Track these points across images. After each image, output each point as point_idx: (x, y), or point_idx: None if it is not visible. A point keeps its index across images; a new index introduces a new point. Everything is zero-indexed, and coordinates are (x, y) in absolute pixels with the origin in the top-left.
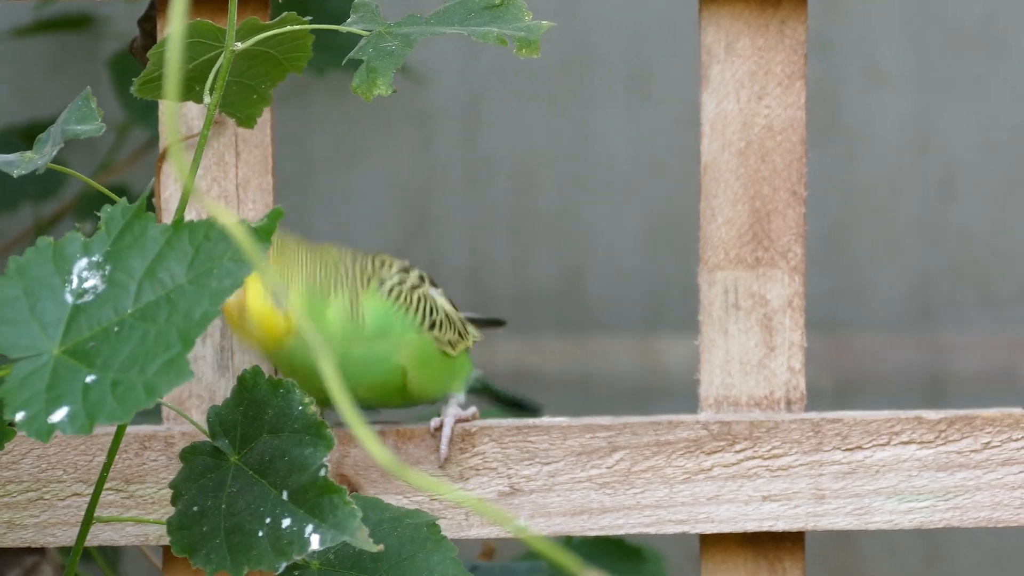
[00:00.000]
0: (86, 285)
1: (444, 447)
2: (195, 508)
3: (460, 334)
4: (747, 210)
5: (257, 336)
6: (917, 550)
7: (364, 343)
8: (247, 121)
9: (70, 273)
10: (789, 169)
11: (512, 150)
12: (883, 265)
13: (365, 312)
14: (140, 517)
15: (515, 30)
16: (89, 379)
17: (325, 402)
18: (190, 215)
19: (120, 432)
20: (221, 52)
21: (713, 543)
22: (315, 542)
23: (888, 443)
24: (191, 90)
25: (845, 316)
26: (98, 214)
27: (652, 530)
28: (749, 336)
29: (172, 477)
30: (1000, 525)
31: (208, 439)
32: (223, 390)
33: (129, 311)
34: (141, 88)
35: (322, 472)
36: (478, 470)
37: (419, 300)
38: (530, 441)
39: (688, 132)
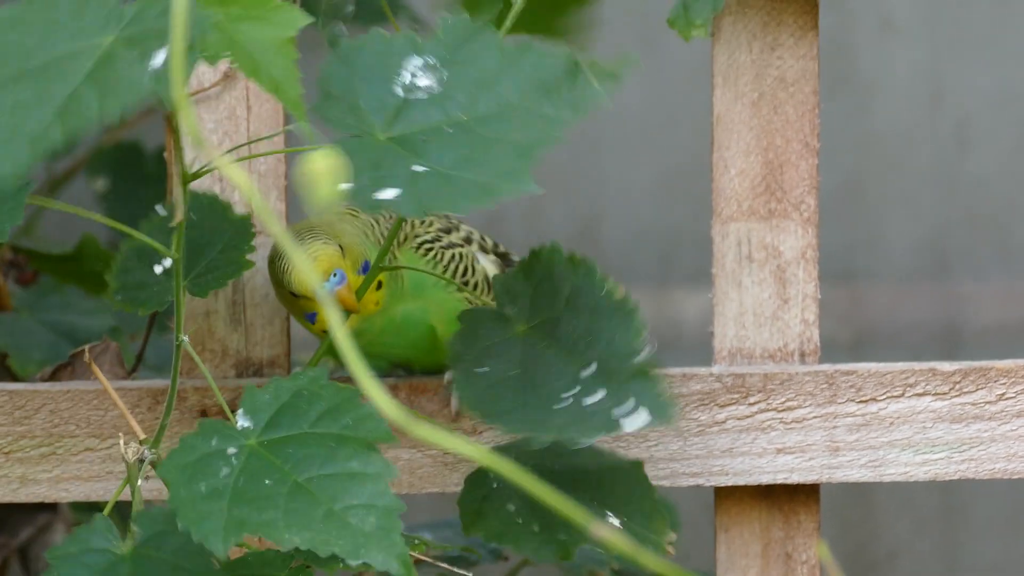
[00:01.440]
0: (419, 83)
1: (455, 400)
2: (479, 369)
3: None
4: (760, 162)
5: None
6: (933, 504)
7: (398, 307)
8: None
9: (401, 67)
10: (802, 120)
11: None
12: (898, 217)
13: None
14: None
15: None
16: (417, 168)
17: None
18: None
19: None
20: None
21: (727, 496)
22: (633, 422)
23: (903, 395)
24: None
25: (861, 268)
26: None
27: (666, 483)
28: (763, 288)
29: (185, 431)
30: (1015, 476)
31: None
32: (236, 344)
33: (464, 117)
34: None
35: (641, 357)
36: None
37: (453, 258)
38: None
39: (700, 84)
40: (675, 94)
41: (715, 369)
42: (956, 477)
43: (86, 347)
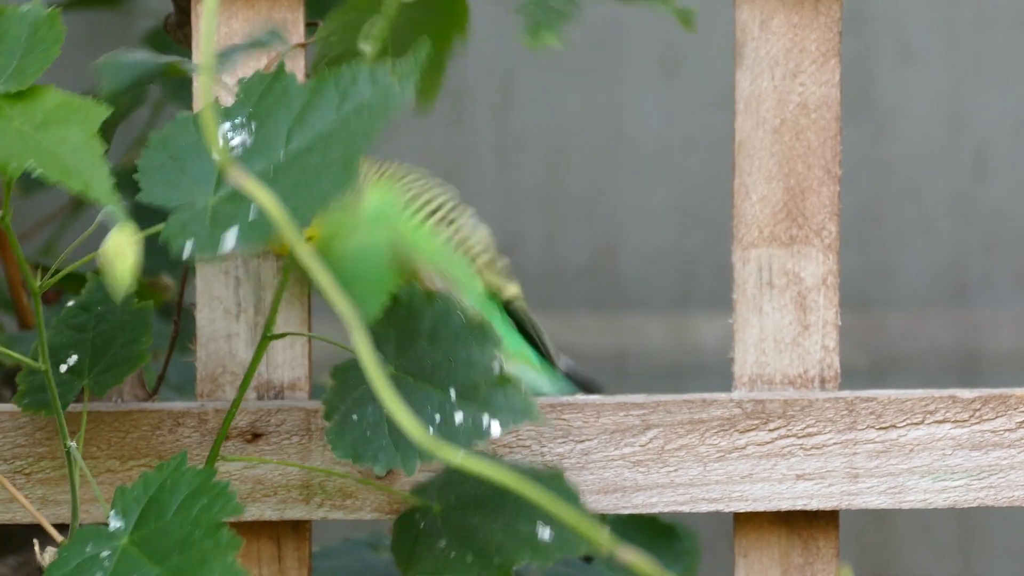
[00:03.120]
0: (232, 143)
1: None
2: (353, 417)
3: (503, 274)
4: (781, 188)
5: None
6: (951, 530)
7: (361, 229)
8: (426, 97)
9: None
10: (823, 147)
11: (545, 127)
12: (916, 243)
13: (367, 198)
14: None
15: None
16: (254, 209)
17: None
18: None
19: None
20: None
21: (747, 521)
22: (495, 429)
23: (922, 422)
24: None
25: (879, 294)
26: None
27: (686, 508)
28: (783, 314)
29: (206, 454)
30: None
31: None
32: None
33: (282, 158)
34: (316, 66)
35: (495, 366)
36: (511, 447)
37: (429, 202)
38: (564, 419)
39: (720, 110)
40: (693, 120)
41: (735, 395)
42: (975, 504)
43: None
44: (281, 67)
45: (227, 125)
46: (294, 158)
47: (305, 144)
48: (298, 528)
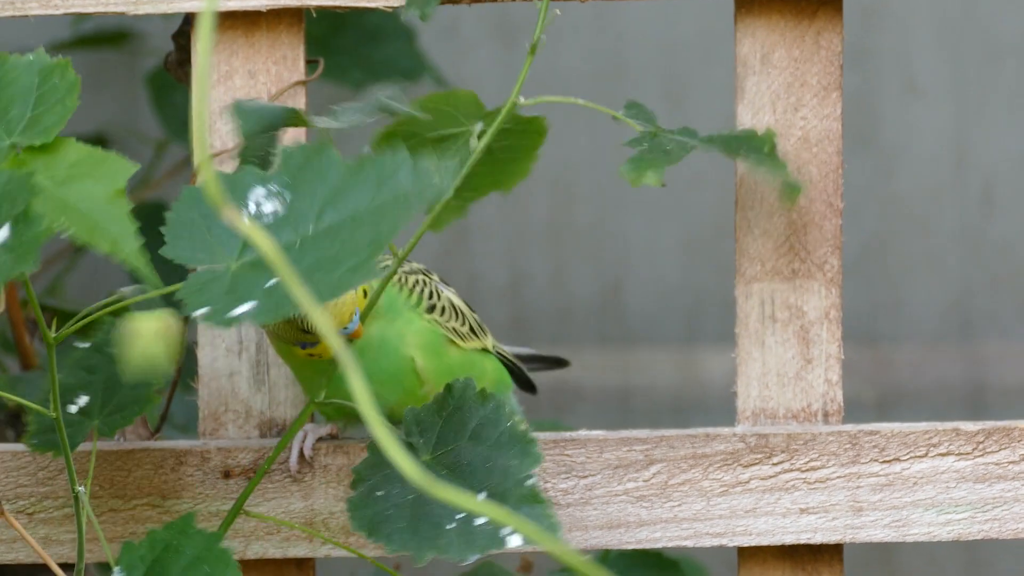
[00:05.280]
0: (264, 210)
1: None
2: (379, 493)
3: (473, 330)
4: (783, 222)
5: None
6: (958, 562)
7: (374, 325)
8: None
9: (246, 199)
10: (825, 180)
11: (550, 163)
12: (923, 278)
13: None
14: None
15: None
16: (271, 283)
17: (351, 415)
18: None
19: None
20: (462, 132)
21: (751, 556)
22: (515, 541)
23: (926, 455)
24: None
25: (885, 329)
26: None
27: (689, 543)
28: (786, 348)
29: (208, 492)
30: None
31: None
32: (259, 404)
33: (311, 232)
34: (380, 140)
35: (530, 482)
36: None
37: (416, 283)
38: (567, 454)
39: None
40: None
41: (738, 429)
42: (979, 537)
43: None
44: (325, 143)
45: (262, 191)
46: (322, 234)
47: (336, 222)
48: (302, 566)
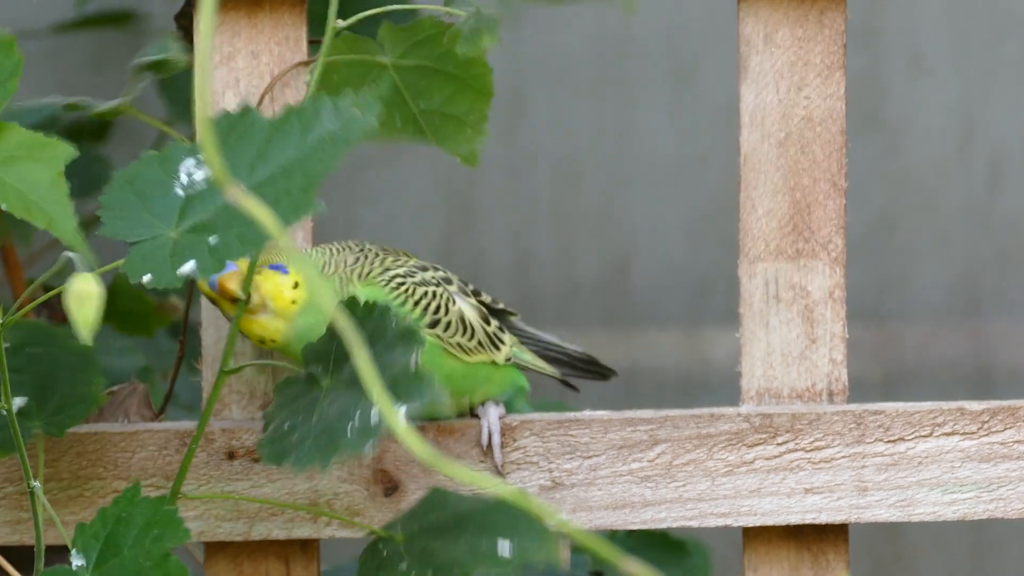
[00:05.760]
0: (196, 178)
1: (498, 455)
2: (286, 425)
3: (482, 344)
4: (787, 201)
5: (268, 315)
6: (964, 542)
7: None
8: (470, 159)
9: (177, 172)
10: (829, 160)
11: (555, 144)
12: (930, 256)
13: (358, 296)
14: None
15: None
16: (212, 240)
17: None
18: None
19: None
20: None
21: (756, 536)
22: (401, 415)
23: (931, 434)
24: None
25: (892, 307)
26: None
27: (694, 523)
28: (790, 328)
29: (213, 473)
30: None
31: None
32: (262, 385)
33: (245, 188)
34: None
35: (412, 363)
36: (519, 464)
37: (424, 296)
38: (571, 435)
39: (731, 124)
40: (706, 134)
41: (743, 409)
42: (984, 516)
43: (113, 389)
44: (247, 106)
45: (190, 161)
46: (255, 189)
47: (267, 176)
48: (307, 547)
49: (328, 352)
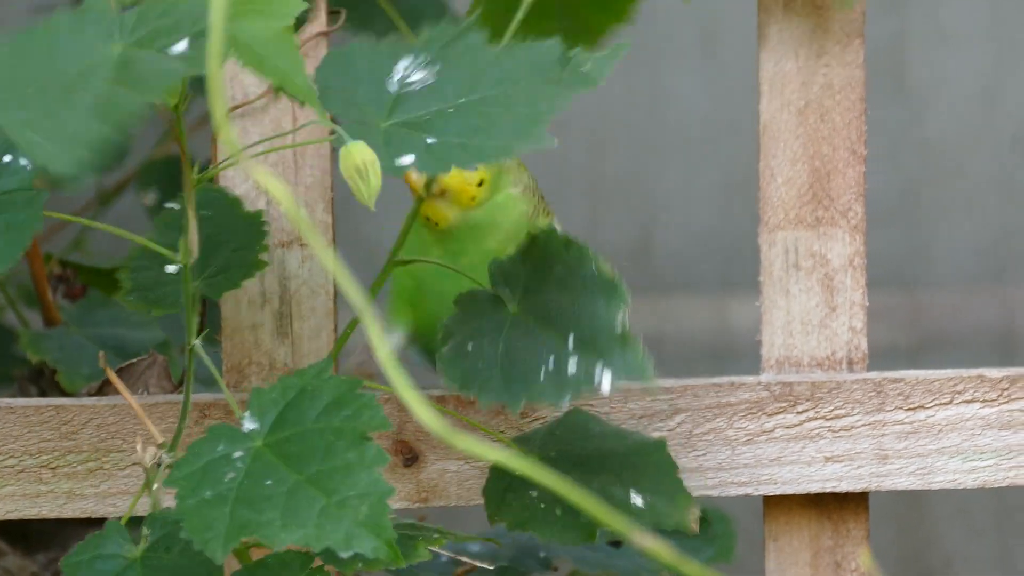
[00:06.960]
0: (412, 79)
1: None
2: (469, 346)
3: None
4: (807, 169)
5: (446, 202)
6: (987, 510)
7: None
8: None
9: (393, 68)
10: (849, 128)
11: (583, 112)
12: (956, 223)
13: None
14: None
15: None
16: (430, 140)
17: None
18: (241, 182)
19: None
20: None
21: (776, 504)
22: (606, 381)
23: (951, 402)
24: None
25: (920, 274)
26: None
27: (715, 492)
28: (810, 296)
29: None
30: None
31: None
32: (282, 356)
33: (464, 101)
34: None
35: (619, 323)
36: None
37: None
38: (591, 404)
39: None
40: (733, 102)
41: (763, 378)
42: (1005, 484)
43: (133, 361)
44: (471, 24)
45: (407, 61)
46: (476, 103)
47: (490, 95)
48: None
49: (517, 275)
